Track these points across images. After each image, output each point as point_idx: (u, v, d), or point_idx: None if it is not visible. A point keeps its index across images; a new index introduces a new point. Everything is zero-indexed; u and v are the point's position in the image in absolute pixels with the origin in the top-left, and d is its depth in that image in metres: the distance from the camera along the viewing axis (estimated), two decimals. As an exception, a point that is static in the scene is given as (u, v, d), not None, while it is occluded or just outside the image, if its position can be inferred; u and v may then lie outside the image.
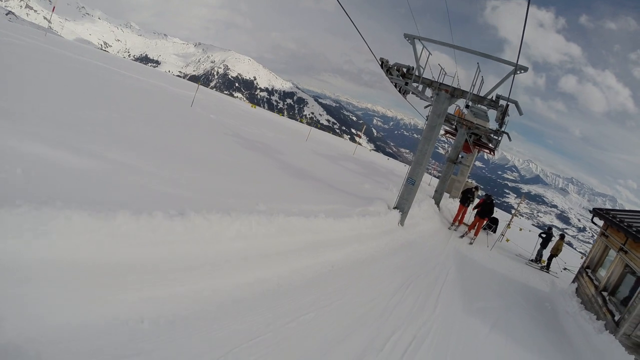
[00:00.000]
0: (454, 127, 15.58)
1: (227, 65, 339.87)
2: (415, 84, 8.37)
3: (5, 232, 2.25)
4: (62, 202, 2.66)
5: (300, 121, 57.22)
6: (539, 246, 12.85)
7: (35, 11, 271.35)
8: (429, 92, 9.03)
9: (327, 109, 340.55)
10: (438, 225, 11.71)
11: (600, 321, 7.68)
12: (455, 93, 8.25)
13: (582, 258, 13.43)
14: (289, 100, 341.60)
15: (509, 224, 13.79)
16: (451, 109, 11.27)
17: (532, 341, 6.02)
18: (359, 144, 36.46)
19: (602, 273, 9.34)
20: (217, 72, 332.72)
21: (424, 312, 5.00)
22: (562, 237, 12.84)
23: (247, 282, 3.32)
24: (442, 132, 17.34)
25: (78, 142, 4.81)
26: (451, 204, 16.78)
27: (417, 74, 8.52)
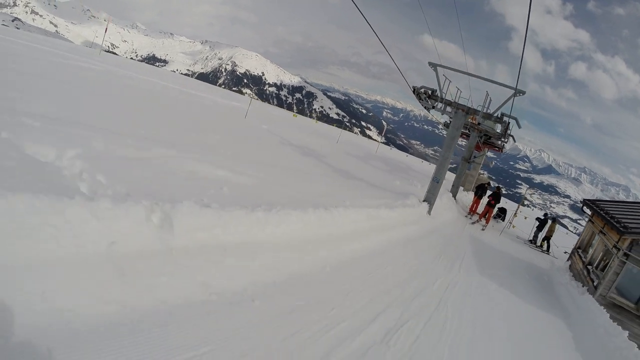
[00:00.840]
0: (467, 131, 17.86)
1: (234, 62, 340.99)
2: (439, 105, 10.73)
3: (249, 226, 4.67)
4: (266, 206, 5.11)
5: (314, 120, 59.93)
6: (535, 229, 15.11)
7: (41, 16, 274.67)
8: (448, 108, 11.35)
9: (337, 102, 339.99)
10: (456, 214, 14.07)
11: (585, 287, 10.00)
12: (469, 111, 10.57)
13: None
14: (297, 95, 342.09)
15: (515, 214, 16.07)
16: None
17: (530, 297, 8.36)
18: (379, 142, 38.91)
19: (590, 252, 11.62)
20: (225, 69, 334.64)
21: (452, 272, 7.42)
22: (554, 220, 15.07)
23: (359, 248, 5.81)
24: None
25: (222, 162, 7.31)
26: (465, 197, 19.07)
27: (440, 95, 10.85)
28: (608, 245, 9.57)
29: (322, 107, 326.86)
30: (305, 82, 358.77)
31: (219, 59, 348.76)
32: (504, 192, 15.00)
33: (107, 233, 2.78)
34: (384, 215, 7.52)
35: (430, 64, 11.11)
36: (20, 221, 2.40)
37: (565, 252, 15.85)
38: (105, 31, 23.29)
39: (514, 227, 16.07)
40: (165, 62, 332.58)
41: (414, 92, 10.34)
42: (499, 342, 4.86)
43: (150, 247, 2.92)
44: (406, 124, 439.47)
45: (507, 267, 10.37)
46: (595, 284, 9.73)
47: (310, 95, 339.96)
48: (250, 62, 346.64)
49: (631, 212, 10.74)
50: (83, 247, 2.59)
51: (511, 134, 14.62)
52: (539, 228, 14.99)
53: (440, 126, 23.00)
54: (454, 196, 16.31)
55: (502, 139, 16.45)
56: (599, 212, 10.08)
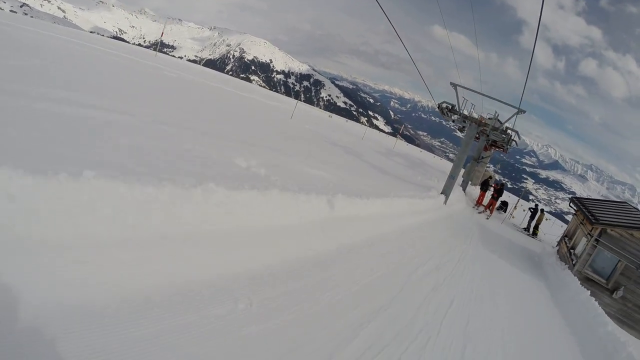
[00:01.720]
0: (477, 134, 20.70)
1: (242, 49, 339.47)
2: (458, 118, 13.58)
3: (363, 207, 7.60)
4: (363, 195, 8.01)
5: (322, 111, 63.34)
6: (528, 218, 18.11)
7: (49, 1, 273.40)
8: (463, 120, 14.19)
9: (344, 91, 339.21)
10: (465, 205, 17.00)
11: (566, 265, 12.96)
12: (481, 124, 13.40)
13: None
14: (305, 83, 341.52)
15: (515, 207, 19.01)
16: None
17: (521, 267, 11.31)
18: (398, 138, 41.76)
19: (573, 239, 14.56)
20: (233, 56, 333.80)
21: (464, 245, 10.37)
22: (542, 211, 18.03)
23: (407, 223, 8.77)
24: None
25: (312, 164, 10.19)
26: (473, 190, 21.98)
27: (458, 109, 13.68)
28: (585, 235, 12.50)
29: (329, 95, 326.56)
30: (314, 70, 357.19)
31: (227, 46, 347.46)
32: (509, 185, 17.95)
33: (304, 209, 5.69)
34: (417, 203, 10.47)
35: (451, 84, 13.88)
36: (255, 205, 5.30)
37: (545, 234, 18.86)
38: (162, 35, 25.98)
39: (513, 217, 19.00)
40: (173, 47, 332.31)
41: (438, 107, 13.15)
42: (498, 279, 7.89)
43: (325, 216, 5.84)
44: (413, 114, 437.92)
45: (506, 247, 13.33)
46: (574, 262, 12.70)
47: (318, 84, 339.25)
48: (259, 49, 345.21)
49: (606, 209, 13.66)
50: (304, 218, 5.48)
51: (515, 129, 17.67)
52: (532, 217, 17.97)
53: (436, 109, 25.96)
54: (464, 190, 19.21)
55: (506, 145, 19.43)
56: (580, 207, 12.98)
